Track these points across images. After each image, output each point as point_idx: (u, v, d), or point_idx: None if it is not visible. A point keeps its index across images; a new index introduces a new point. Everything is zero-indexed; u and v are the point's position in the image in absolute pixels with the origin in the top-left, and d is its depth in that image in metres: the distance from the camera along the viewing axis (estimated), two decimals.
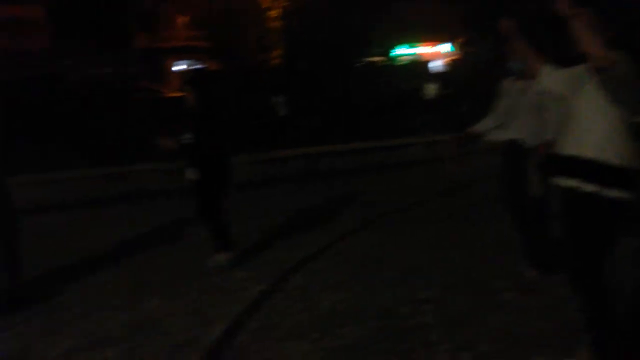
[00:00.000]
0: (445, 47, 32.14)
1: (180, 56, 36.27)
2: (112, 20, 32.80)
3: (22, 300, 4.26)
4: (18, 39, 32.64)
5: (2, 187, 4.26)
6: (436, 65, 24.60)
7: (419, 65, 24.09)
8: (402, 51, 33.11)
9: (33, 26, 34.17)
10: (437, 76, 20.33)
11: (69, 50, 31.12)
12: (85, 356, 3.56)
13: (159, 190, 7.64)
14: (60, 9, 32.28)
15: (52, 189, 7.60)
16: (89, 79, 27.62)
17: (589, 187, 2.83)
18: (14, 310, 4.15)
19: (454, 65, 24.22)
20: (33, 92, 17.71)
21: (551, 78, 3.00)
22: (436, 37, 32.21)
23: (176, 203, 6.39)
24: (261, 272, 4.82)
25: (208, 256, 4.97)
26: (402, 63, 27.82)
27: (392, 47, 33.01)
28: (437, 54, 30.98)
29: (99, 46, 31.30)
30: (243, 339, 3.70)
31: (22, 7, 34.05)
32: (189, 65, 28.68)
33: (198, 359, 3.43)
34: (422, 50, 32.59)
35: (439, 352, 3.37)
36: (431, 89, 17.34)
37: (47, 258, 5.23)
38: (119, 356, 3.55)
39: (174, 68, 35.87)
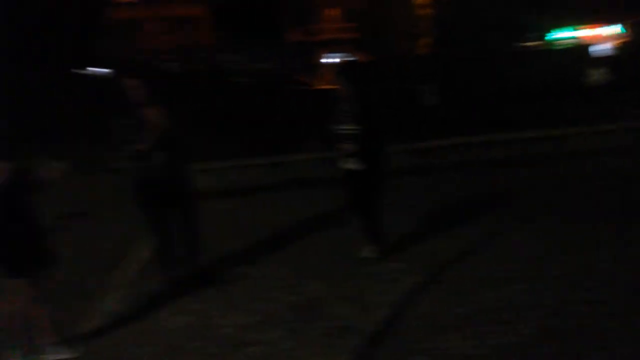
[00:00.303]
0: (613, 29, 29.45)
1: (329, 49, 37.16)
2: (267, 17, 34.63)
3: (201, 280, 4.69)
4: (182, 35, 35.81)
5: (186, 174, 4.67)
6: (602, 49, 22.59)
7: (581, 50, 22.29)
8: (562, 34, 30.96)
9: (196, 23, 37.28)
10: (604, 61, 18.69)
11: (230, 46, 33.37)
12: (255, 334, 3.85)
13: (316, 179, 7.91)
14: (221, 8, 34.79)
15: (218, 177, 8.21)
16: (250, 72, 29.32)
17: None
18: (195, 289, 4.59)
19: (624, 49, 22.10)
20: (200, 85, 19.15)
21: None
22: (602, 18, 29.64)
23: (332, 192, 6.58)
24: (413, 263, 4.83)
25: (361, 245, 5.07)
26: (562, 47, 26.00)
27: (549, 30, 31.03)
28: (603, 36, 28.46)
29: (256, 41, 33.20)
30: (401, 329, 3.75)
31: (185, 7, 37.46)
32: (339, 58, 29.25)
33: (361, 345, 3.54)
34: (585, 32, 30.15)
35: (615, 357, 3.17)
36: (596, 75, 16.00)
37: (218, 241, 5.63)
38: (284, 337, 3.78)
39: (324, 60, 36.82)
